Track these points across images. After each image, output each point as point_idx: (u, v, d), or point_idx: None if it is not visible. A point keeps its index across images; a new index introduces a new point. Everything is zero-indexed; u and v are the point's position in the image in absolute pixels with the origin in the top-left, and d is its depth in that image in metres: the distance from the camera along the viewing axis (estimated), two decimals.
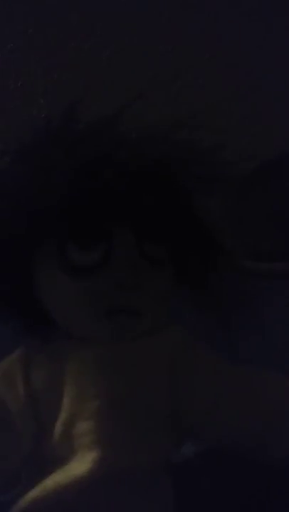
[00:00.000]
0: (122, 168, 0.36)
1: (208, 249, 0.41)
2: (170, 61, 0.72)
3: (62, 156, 0.36)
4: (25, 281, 0.38)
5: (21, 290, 0.39)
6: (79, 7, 0.74)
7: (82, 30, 0.74)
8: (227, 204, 0.43)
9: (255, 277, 0.56)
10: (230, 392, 0.39)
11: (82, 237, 0.37)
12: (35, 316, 0.39)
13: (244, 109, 0.67)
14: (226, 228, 0.43)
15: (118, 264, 0.37)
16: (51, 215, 0.35)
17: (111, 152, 0.37)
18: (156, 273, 0.39)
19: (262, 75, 0.70)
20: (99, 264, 0.37)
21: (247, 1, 0.72)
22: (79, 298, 0.37)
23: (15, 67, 0.73)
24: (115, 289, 0.37)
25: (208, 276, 0.42)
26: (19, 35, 0.73)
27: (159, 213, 0.37)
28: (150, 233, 0.38)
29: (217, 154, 0.39)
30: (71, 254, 0.37)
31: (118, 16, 0.74)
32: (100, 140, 0.38)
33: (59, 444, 0.36)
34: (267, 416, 0.39)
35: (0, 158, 0.39)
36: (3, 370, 0.39)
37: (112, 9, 0.74)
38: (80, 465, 0.35)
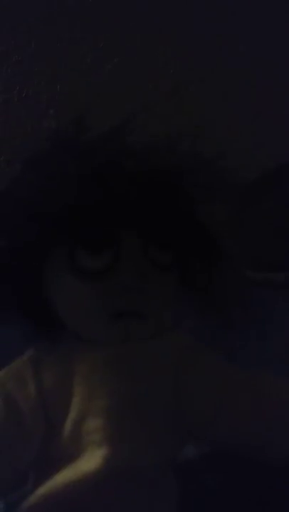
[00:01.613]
0: (128, 177, 0.37)
1: (211, 255, 0.42)
2: (171, 73, 0.73)
3: (71, 165, 0.37)
4: (36, 284, 0.39)
5: (32, 293, 0.39)
6: (81, 20, 0.75)
7: (85, 43, 0.75)
8: (229, 212, 0.44)
9: (256, 286, 0.56)
10: (231, 394, 0.40)
11: (91, 242, 0.38)
12: (46, 319, 0.40)
13: (245, 120, 0.68)
14: (228, 236, 0.44)
15: (125, 268, 0.38)
16: (61, 221, 0.37)
17: (118, 161, 0.38)
18: (161, 277, 0.40)
19: (262, 85, 0.71)
20: (107, 268, 0.38)
21: (248, 15, 0.74)
22: (87, 300, 0.38)
23: (19, 79, 0.74)
24: (122, 292, 0.38)
25: (212, 281, 0.43)
26: (23, 48, 0.74)
27: (165, 219, 0.38)
28: (156, 238, 0.39)
29: (218, 163, 0.40)
30: (80, 259, 0.38)
31: (120, 29, 0.75)
32: (107, 150, 0.39)
33: (68, 442, 0.37)
34: (267, 417, 0.39)
35: (11, 167, 0.40)
36: (15, 371, 0.40)
37: (113, 22, 0.75)
38: (88, 462, 0.36)
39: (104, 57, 0.74)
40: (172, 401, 0.39)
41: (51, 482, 0.36)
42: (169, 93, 0.71)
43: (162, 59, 0.74)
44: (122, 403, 0.37)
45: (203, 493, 0.42)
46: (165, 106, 0.66)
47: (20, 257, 0.38)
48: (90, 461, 0.36)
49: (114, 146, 0.39)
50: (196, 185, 0.40)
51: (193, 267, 0.42)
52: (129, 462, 0.36)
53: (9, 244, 0.38)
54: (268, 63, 0.74)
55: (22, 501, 0.37)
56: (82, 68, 0.74)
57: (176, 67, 0.73)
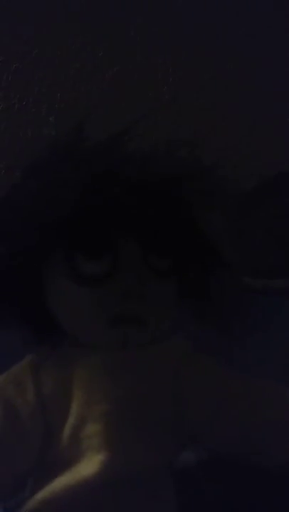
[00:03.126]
0: (127, 184, 0.37)
1: (210, 262, 0.42)
2: (170, 82, 0.74)
3: (70, 173, 0.38)
4: (35, 289, 0.39)
5: (31, 298, 0.40)
6: (81, 28, 0.75)
7: (85, 52, 0.75)
8: (227, 219, 0.45)
9: (254, 293, 0.57)
10: (230, 400, 0.40)
11: (90, 248, 0.38)
12: (45, 324, 0.40)
13: (244, 128, 0.68)
14: (227, 243, 0.44)
15: (124, 274, 0.38)
16: (60, 227, 0.37)
17: (117, 169, 0.38)
18: (160, 283, 0.40)
19: (261, 94, 0.72)
20: (105, 274, 0.38)
21: (248, 27, 0.74)
22: (86, 306, 0.38)
23: (20, 87, 0.74)
24: (121, 297, 0.38)
25: (211, 288, 0.43)
26: (24, 57, 0.74)
27: (164, 226, 0.38)
28: (155, 245, 0.39)
29: (217, 171, 0.41)
30: (79, 264, 0.38)
31: (120, 38, 0.76)
32: (107, 158, 0.39)
33: (67, 446, 0.37)
34: (266, 424, 0.40)
35: (11, 174, 0.40)
36: (14, 376, 0.40)
37: (113, 31, 0.76)
38: (87, 467, 0.36)
39: (104, 66, 0.75)
40: (171, 406, 0.39)
41: (50, 487, 0.36)
42: (168, 101, 0.71)
43: (162, 68, 0.74)
44: (120, 408, 0.37)
45: (201, 498, 0.42)
46: (164, 114, 0.67)
47: (19, 262, 0.38)
48: (89, 465, 0.36)
49: (113, 153, 0.40)
50: (194, 193, 0.40)
51: (192, 273, 0.42)
52: (128, 467, 0.36)
53: (8, 249, 0.38)
54: (267, 73, 0.74)
55: (21, 507, 0.37)
56: (82, 77, 0.75)
57: (176, 76, 0.74)
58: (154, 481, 0.38)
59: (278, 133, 0.70)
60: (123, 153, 0.40)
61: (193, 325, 0.44)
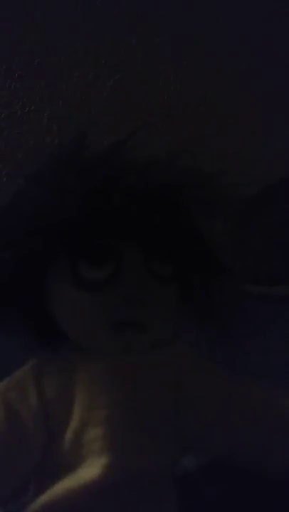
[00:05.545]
0: (130, 191, 0.38)
1: (211, 268, 0.42)
2: (172, 89, 0.74)
3: (73, 180, 0.38)
4: (38, 295, 0.40)
5: (34, 304, 0.40)
6: (83, 37, 0.76)
7: (86, 60, 0.76)
8: (228, 226, 0.45)
9: (255, 299, 0.57)
10: (230, 405, 0.41)
11: (92, 254, 0.38)
12: (47, 329, 0.40)
13: (245, 135, 0.69)
14: (228, 250, 0.44)
15: (126, 280, 0.38)
16: (63, 234, 0.37)
17: (119, 176, 0.39)
18: (162, 289, 0.40)
19: (262, 100, 0.72)
20: (108, 279, 0.38)
21: (249, 34, 0.75)
22: (88, 311, 0.39)
23: (22, 95, 0.75)
24: (123, 303, 0.38)
25: (212, 294, 0.43)
26: (26, 64, 0.75)
27: (165, 233, 0.39)
28: (156, 251, 0.40)
29: (217, 179, 0.41)
30: (82, 270, 0.38)
31: (121, 46, 0.76)
32: (109, 165, 0.39)
33: (69, 450, 0.37)
34: (266, 429, 0.40)
35: (14, 181, 0.41)
36: (16, 381, 0.40)
37: (115, 39, 0.76)
38: (89, 471, 0.36)
39: (105, 74, 0.75)
40: (172, 411, 0.40)
41: (52, 491, 0.36)
42: (169, 109, 0.72)
43: (163, 76, 0.75)
44: (122, 413, 0.38)
45: (202, 504, 0.42)
46: (165, 122, 0.67)
47: (22, 268, 0.38)
48: (91, 470, 0.36)
49: (115, 161, 0.40)
50: (195, 201, 0.40)
51: (193, 279, 0.42)
52: (129, 471, 0.36)
53: (11, 256, 0.38)
54: (268, 79, 0.75)
55: (22, 510, 0.37)
56: (84, 85, 0.75)
57: (177, 84, 0.74)
58: (156, 486, 0.38)
59: (278, 140, 0.71)
60: (124, 161, 0.40)
61: (194, 331, 0.44)
